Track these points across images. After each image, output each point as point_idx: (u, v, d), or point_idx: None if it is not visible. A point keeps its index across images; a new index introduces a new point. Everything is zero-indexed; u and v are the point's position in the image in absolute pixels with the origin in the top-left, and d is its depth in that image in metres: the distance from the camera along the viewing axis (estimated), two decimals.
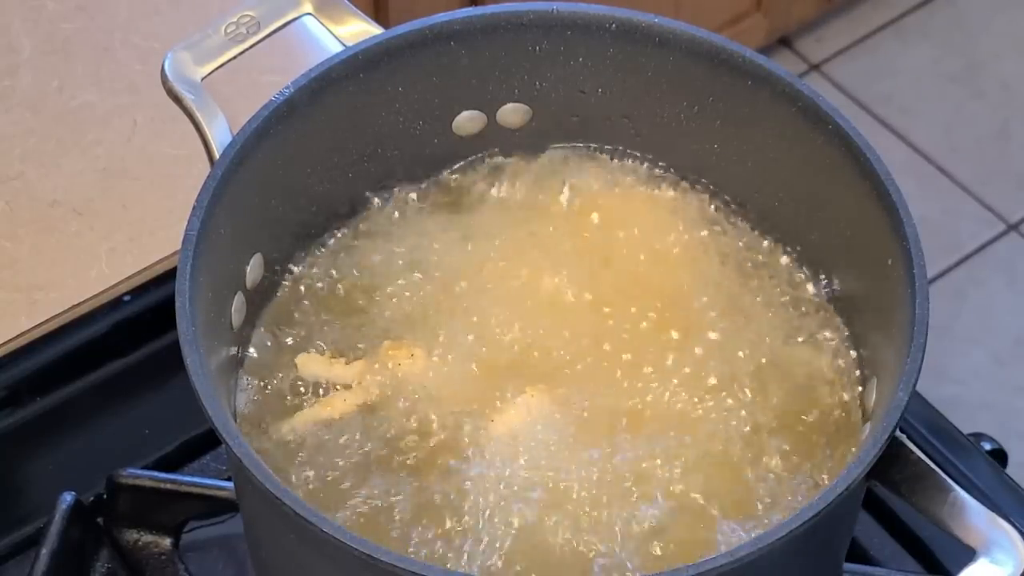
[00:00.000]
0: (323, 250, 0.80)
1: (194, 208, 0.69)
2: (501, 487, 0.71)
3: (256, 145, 0.72)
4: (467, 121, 0.81)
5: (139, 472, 0.87)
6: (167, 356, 0.93)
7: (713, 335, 0.77)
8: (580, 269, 0.80)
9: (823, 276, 0.78)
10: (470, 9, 0.77)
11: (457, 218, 0.82)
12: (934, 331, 0.68)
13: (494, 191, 0.82)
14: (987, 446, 0.96)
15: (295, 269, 0.79)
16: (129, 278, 0.97)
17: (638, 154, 0.82)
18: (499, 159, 0.83)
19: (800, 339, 0.77)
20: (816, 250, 0.78)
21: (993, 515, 0.63)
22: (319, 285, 0.79)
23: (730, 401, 0.75)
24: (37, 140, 1.04)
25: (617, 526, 0.70)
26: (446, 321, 0.78)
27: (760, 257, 0.80)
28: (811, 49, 2.43)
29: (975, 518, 0.63)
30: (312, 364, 0.76)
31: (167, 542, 0.87)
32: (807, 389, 0.76)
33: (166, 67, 0.75)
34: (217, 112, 0.74)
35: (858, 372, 0.76)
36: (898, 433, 0.64)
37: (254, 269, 0.75)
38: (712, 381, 0.75)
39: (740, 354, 0.76)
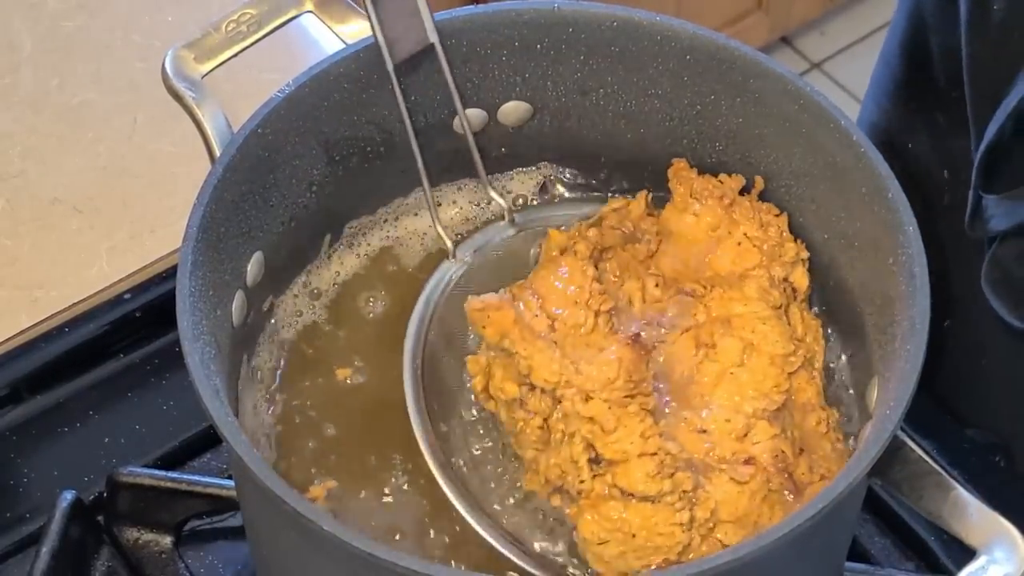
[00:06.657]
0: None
1: (194, 206, 0.69)
2: None
3: (257, 143, 0.72)
4: (468, 119, 0.80)
5: (139, 470, 0.87)
6: (168, 354, 0.94)
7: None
8: None
9: (823, 274, 0.78)
10: (471, 7, 0.76)
11: None
12: None
13: None
14: (987, 443, 0.96)
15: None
16: (129, 276, 0.97)
17: (637, 152, 0.82)
18: None
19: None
20: (816, 249, 0.78)
21: (994, 514, 0.63)
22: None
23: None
24: (38, 138, 1.04)
25: None
26: None
27: None
28: (812, 47, 2.43)
29: (976, 516, 0.63)
30: None
31: (167, 540, 0.87)
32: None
33: (167, 65, 0.75)
34: (218, 110, 0.74)
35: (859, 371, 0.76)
36: (899, 432, 0.64)
37: (254, 267, 0.75)
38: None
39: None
